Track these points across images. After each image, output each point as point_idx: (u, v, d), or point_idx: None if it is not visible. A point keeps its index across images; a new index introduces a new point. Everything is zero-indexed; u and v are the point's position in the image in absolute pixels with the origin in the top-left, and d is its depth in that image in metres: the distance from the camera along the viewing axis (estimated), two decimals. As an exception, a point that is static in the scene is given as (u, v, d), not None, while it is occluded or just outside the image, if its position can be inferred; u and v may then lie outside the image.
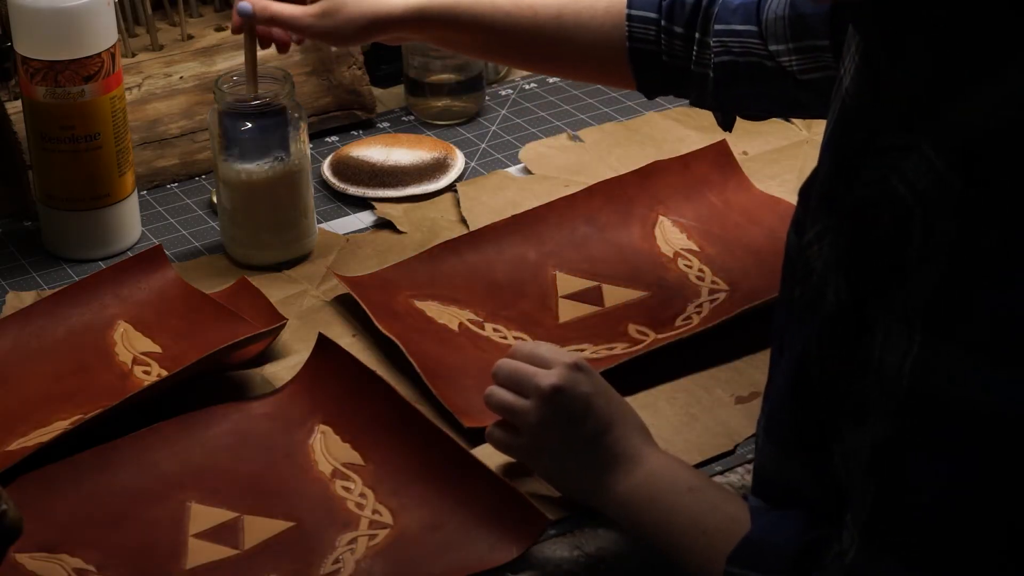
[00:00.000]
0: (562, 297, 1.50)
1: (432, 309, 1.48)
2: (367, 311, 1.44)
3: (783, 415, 1.14)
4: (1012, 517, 0.98)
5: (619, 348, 1.43)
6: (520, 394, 1.25)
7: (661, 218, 1.59)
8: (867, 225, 1.02)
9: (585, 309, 1.49)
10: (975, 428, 0.97)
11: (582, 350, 1.43)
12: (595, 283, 1.52)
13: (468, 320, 1.47)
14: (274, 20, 1.47)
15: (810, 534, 1.10)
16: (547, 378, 1.24)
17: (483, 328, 1.46)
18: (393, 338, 1.41)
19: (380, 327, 1.42)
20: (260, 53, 1.74)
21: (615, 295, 1.50)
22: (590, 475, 1.23)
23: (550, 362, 1.26)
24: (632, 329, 1.46)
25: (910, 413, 0.99)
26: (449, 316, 1.47)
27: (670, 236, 1.58)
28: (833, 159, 1.08)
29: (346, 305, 1.50)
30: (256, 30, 1.49)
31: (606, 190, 1.61)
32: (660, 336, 1.44)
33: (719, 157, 1.65)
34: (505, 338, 1.45)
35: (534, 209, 1.59)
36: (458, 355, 1.42)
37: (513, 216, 1.58)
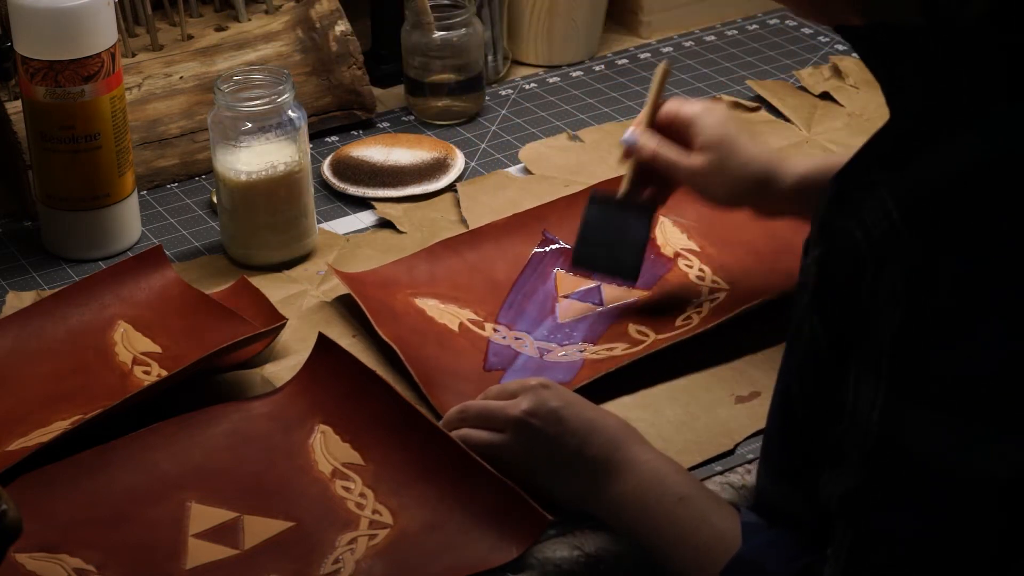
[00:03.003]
0: (562, 296, 1.50)
1: (432, 308, 1.48)
2: (366, 313, 1.44)
3: (774, 441, 1.15)
4: (978, 570, 0.97)
5: (619, 349, 1.43)
6: (495, 430, 1.26)
7: (662, 218, 1.59)
8: (830, 267, 1.02)
9: (585, 308, 1.49)
10: (937, 483, 0.97)
11: (582, 350, 1.43)
12: (595, 283, 1.52)
13: (468, 320, 1.47)
14: (655, 159, 1.42)
15: (800, 561, 1.10)
16: (515, 407, 1.25)
17: (483, 328, 1.46)
18: (391, 343, 1.40)
19: (379, 331, 1.42)
20: (258, 54, 1.75)
21: (615, 295, 1.50)
22: (582, 486, 1.23)
23: (515, 392, 1.27)
24: (632, 329, 1.46)
25: (877, 464, 0.99)
26: (450, 316, 1.47)
27: (671, 236, 1.58)
28: (834, 184, 1.06)
29: (346, 305, 1.49)
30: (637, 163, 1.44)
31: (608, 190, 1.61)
32: (660, 336, 1.44)
33: None
34: (505, 338, 1.45)
35: (535, 208, 1.59)
36: (457, 359, 1.42)
37: (514, 215, 1.58)
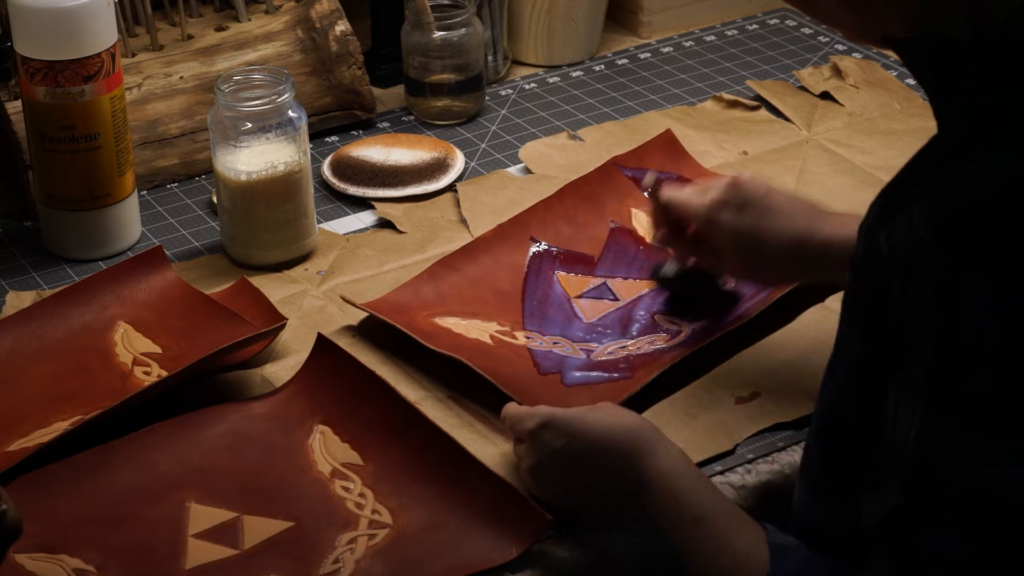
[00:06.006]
0: (575, 297, 1.50)
1: (457, 325, 1.45)
2: (411, 335, 1.40)
3: (812, 456, 1.13)
4: None
5: (660, 340, 1.42)
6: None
7: (634, 210, 1.59)
8: (863, 280, 1.01)
9: (606, 305, 1.48)
10: (975, 503, 0.95)
11: (624, 346, 1.42)
12: (600, 279, 1.52)
13: (497, 331, 1.45)
14: (668, 205, 1.41)
15: None
16: (522, 461, 1.25)
17: (515, 338, 1.45)
18: (462, 359, 1.37)
19: (432, 347, 1.38)
20: (258, 54, 1.75)
21: (626, 289, 1.50)
22: (608, 509, 1.23)
23: (520, 434, 1.26)
24: (661, 319, 1.45)
25: (915, 484, 0.98)
26: (477, 330, 1.45)
27: (647, 226, 1.58)
28: (878, 199, 1.04)
29: (346, 305, 1.49)
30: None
31: (576, 190, 1.61)
32: (696, 325, 1.43)
33: (667, 146, 1.67)
34: (542, 344, 1.44)
35: (517, 217, 1.57)
36: (510, 367, 1.40)
37: (499, 226, 1.56)
